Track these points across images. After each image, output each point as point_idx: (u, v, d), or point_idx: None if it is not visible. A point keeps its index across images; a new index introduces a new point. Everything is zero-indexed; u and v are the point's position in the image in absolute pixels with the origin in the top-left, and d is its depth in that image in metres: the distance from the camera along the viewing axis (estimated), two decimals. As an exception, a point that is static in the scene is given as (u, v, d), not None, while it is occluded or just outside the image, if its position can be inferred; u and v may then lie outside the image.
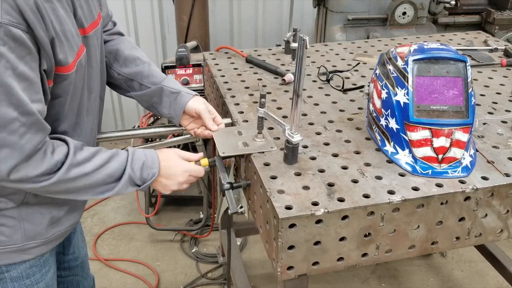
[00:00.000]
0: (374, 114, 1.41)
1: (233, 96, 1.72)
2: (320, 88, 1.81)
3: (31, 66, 1.02)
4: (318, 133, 1.48)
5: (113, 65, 1.48)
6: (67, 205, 1.34)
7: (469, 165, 1.29)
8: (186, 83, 2.76)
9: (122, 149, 1.28)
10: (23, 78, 1.01)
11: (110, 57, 1.47)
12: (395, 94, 1.31)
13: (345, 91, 1.77)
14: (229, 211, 1.30)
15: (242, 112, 1.61)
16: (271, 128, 1.50)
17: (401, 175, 1.28)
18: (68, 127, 1.24)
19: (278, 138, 1.44)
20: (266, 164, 1.31)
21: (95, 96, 1.33)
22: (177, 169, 1.31)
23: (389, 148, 1.35)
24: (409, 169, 1.29)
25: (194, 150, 2.76)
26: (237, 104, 1.66)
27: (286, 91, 1.77)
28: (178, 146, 3.18)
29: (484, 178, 1.27)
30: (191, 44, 3.03)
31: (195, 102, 1.45)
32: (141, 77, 1.47)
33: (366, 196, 1.18)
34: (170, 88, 1.47)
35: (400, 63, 1.32)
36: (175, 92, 1.46)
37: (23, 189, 1.16)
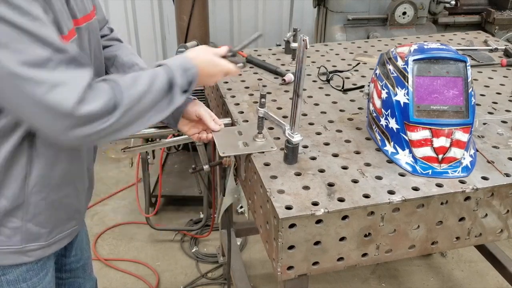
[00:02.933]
0: (374, 114, 1.41)
1: (233, 96, 1.72)
2: (320, 88, 1.81)
3: (39, 13, 1.00)
4: (318, 133, 1.48)
5: (111, 71, 1.47)
6: (70, 207, 1.32)
7: (469, 165, 1.29)
8: (186, 83, 2.76)
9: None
10: (41, 23, 0.99)
11: (108, 63, 1.47)
12: (395, 94, 1.31)
13: (345, 91, 1.77)
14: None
15: (242, 112, 1.61)
16: (271, 128, 1.50)
17: (401, 175, 1.28)
18: None
19: (278, 138, 1.44)
20: (266, 164, 1.31)
21: None
22: (209, 63, 1.31)
23: (389, 148, 1.35)
24: (409, 169, 1.29)
25: (194, 150, 2.76)
26: (237, 104, 1.66)
27: (286, 91, 1.77)
28: (178, 146, 3.19)
29: (484, 178, 1.27)
30: (191, 44, 3.02)
31: (195, 106, 1.44)
32: None
33: (366, 196, 1.19)
34: None
35: (400, 63, 1.32)
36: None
37: (93, 135, 1.07)
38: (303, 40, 1.14)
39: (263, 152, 1.36)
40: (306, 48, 1.15)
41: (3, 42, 0.96)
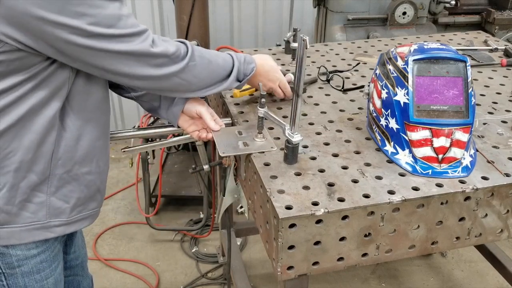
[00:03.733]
0: (374, 114, 1.41)
1: (233, 96, 1.71)
2: (320, 88, 1.81)
3: None
4: (318, 133, 1.48)
5: None
6: (89, 186, 1.34)
7: (469, 165, 1.29)
8: (186, 83, 2.76)
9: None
10: None
11: None
12: (395, 94, 1.31)
13: (345, 91, 1.77)
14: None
15: (242, 112, 1.61)
16: (271, 128, 1.50)
17: (401, 175, 1.28)
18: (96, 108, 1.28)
19: (278, 138, 1.44)
20: (266, 164, 1.31)
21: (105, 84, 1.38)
22: (272, 69, 1.54)
23: (389, 148, 1.35)
24: (409, 169, 1.29)
25: (194, 150, 2.76)
26: (237, 104, 1.66)
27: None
28: (178, 146, 3.19)
29: (484, 178, 1.27)
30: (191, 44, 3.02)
31: (196, 103, 1.45)
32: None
33: (366, 196, 1.19)
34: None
35: (400, 63, 1.32)
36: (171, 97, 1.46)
37: (167, 75, 1.22)
38: (303, 40, 1.14)
39: (263, 152, 1.36)
40: (306, 48, 1.15)
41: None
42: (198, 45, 3.09)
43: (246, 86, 1.67)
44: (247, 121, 1.55)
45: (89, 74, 1.19)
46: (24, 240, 1.26)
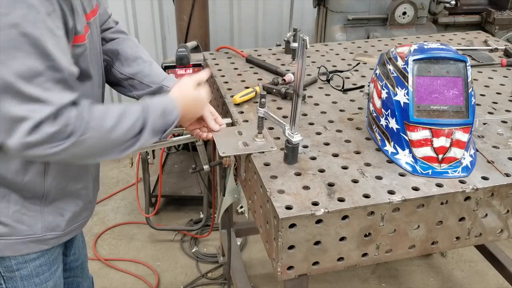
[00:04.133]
0: (374, 114, 1.41)
1: (233, 96, 1.71)
2: (320, 88, 1.81)
3: (57, 25, 1.02)
4: (318, 133, 1.48)
5: (115, 64, 1.47)
6: (84, 199, 1.35)
7: (469, 165, 1.29)
8: (186, 83, 2.76)
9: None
10: (52, 34, 1.00)
11: (113, 56, 1.47)
12: (395, 94, 1.31)
13: (345, 91, 1.77)
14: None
15: (242, 112, 1.61)
16: (271, 128, 1.50)
17: (401, 175, 1.28)
18: None
19: (278, 138, 1.44)
20: (266, 164, 1.31)
21: (98, 86, 1.34)
22: (195, 102, 1.34)
23: (389, 148, 1.35)
24: (409, 169, 1.29)
25: (194, 150, 2.76)
26: (237, 104, 1.66)
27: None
28: (178, 146, 3.19)
29: (484, 178, 1.27)
30: (191, 44, 3.03)
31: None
32: (142, 76, 1.46)
33: (366, 196, 1.19)
34: (169, 87, 1.45)
35: (400, 63, 1.32)
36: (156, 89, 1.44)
37: (43, 156, 1.06)
38: (303, 40, 1.14)
39: (263, 152, 1.36)
40: (306, 48, 1.15)
41: (2, 46, 0.96)
42: (198, 45, 3.10)
43: (247, 91, 1.67)
44: (247, 121, 1.55)
45: None
46: (19, 252, 1.27)
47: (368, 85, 1.48)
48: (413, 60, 1.30)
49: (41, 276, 1.34)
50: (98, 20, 1.34)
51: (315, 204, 1.15)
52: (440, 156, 1.28)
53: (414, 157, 1.29)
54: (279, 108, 1.64)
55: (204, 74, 1.39)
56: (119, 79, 1.48)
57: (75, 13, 1.10)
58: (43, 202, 1.26)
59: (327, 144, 1.42)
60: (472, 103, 1.29)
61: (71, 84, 1.06)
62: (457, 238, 1.31)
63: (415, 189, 1.22)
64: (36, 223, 1.26)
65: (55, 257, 1.37)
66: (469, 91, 1.29)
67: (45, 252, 1.32)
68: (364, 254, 1.23)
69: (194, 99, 1.33)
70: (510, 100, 1.71)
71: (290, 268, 1.18)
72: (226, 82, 1.83)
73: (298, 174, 1.27)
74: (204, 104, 1.37)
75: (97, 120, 1.10)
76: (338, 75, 1.85)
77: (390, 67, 1.35)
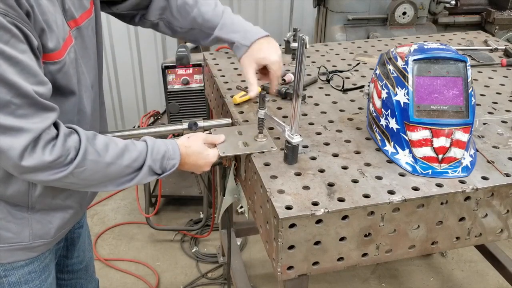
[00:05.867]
0: (374, 114, 1.41)
1: (233, 96, 1.71)
2: (320, 88, 1.81)
3: (20, 49, 0.98)
4: (318, 133, 1.48)
5: (172, 22, 1.45)
6: (73, 208, 1.33)
7: (469, 165, 1.29)
8: (186, 83, 2.76)
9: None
10: (13, 62, 0.97)
11: (167, 14, 1.44)
12: (395, 94, 1.31)
13: (345, 91, 1.77)
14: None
15: (242, 112, 1.61)
16: (271, 128, 1.50)
17: (401, 175, 1.28)
18: (69, 123, 1.19)
19: (278, 138, 1.44)
20: (266, 164, 1.31)
21: (95, 90, 1.31)
22: (198, 156, 1.30)
23: (389, 148, 1.35)
24: (409, 169, 1.29)
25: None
26: (237, 104, 1.66)
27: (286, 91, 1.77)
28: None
29: (484, 178, 1.27)
30: (191, 44, 3.03)
31: (256, 53, 1.40)
32: (198, 25, 1.43)
33: (366, 196, 1.19)
34: (224, 38, 1.43)
35: (400, 63, 1.32)
36: (231, 43, 1.43)
37: (40, 182, 1.11)
38: (303, 40, 1.14)
39: (263, 152, 1.36)
40: (305, 48, 1.15)
41: None
42: (198, 45, 3.09)
43: (244, 92, 1.68)
44: (247, 121, 1.55)
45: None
46: (5, 260, 1.24)
47: (368, 85, 1.48)
48: (413, 60, 1.30)
49: (30, 284, 1.31)
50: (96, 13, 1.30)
51: (315, 204, 1.15)
52: (440, 156, 1.28)
53: (414, 157, 1.29)
54: (279, 108, 1.64)
55: (220, 138, 1.38)
56: (183, 34, 1.47)
57: (47, 32, 1.05)
58: (30, 211, 1.23)
59: (327, 144, 1.42)
60: (472, 103, 1.29)
61: (47, 104, 1.04)
62: (457, 238, 1.31)
63: (415, 189, 1.22)
64: (23, 230, 1.23)
65: (46, 264, 1.35)
66: (469, 91, 1.29)
67: (35, 259, 1.30)
68: (364, 254, 1.23)
69: (198, 155, 1.30)
70: (510, 100, 1.71)
71: (290, 268, 1.18)
72: (226, 82, 1.83)
73: (298, 174, 1.27)
74: (209, 163, 1.33)
75: (96, 155, 1.11)
76: (338, 75, 1.85)
77: (390, 67, 1.35)
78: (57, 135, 1.06)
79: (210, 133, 1.43)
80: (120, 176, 1.18)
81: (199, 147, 1.30)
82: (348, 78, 1.88)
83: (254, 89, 1.40)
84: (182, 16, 1.43)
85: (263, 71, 1.45)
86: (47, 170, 1.05)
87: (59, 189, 1.24)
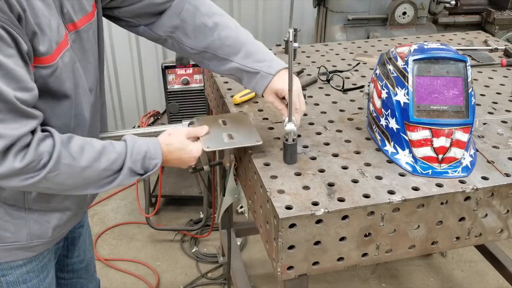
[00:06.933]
0: (374, 114, 1.41)
1: (233, 96, 1.71)
2: (320, 88, 1.81)
3: (6, 53, 0.96)
4: (318, 133, 1.48)
5: (184, 41, 1.37)
6: (71, 209, 1.32)
7: (469, 165, 1.29)
8: (186, 83, 2.76)
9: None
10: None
11: (178, 33, 1.36)
12: (395, 94, 1.31)
13: (345, 91, 1.77)
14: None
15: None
16: (271, 128, 1.50)
17: (401, 175, 1.28)
18: (60, 128, 1.17)
19: (278, 138, 1.44)
20: (266, 164, 1.31)
21: (95, 94, 1.29)
22: (181, 152, 1.27)
23: (389, 148, 1.35)
24: (409, 169, 1.29)
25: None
26: (237, 104, 1.66)
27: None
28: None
29: (484, 178, 1.27)
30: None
31: (276, 83, 1.32)
32: (213, 49, 1.35)
33: (366, 196, 1.19)
34: (247, 68, 1.34)
35: (400, 63, 1.32)
36: (255, 73, 1.33)
37: (13, 187, 1.10)
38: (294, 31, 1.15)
39: (250, 147, 1.34)
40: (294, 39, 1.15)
41: None
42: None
43: (247, 91, 1.67)
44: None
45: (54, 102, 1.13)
46: (3, 259, 1.24)
47: (368, 85, 1.48)
48: (413, 60, 1.30)
49: (28, 283, 1.30)
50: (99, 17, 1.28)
51: (315, 204, 1.15)
52: (440, 156, 1.28)
53: (414, 157, 1.29)
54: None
55: (202, 131, 1.34)
56: (193, 55, 1.40)
57: (39, 35, 1.03)
58: (28, 211, 1.22)
59: (327, 144, 1.42)
60: (472, 103, 1.29)
61: (27, 111, 1.02)
62: (457, 238, 1.31)
63: (415, 189, 1.22)
64: (21, 230, 1.22)
65: (44, 263, 1.34)
66: (469, 91, 1.29)
67: (33, 259, 1.30)
68: (364, 254, 1.23)
69: (181, 150, 1.27)
70: (510, 100, 1.71)
71: (290, 268, 1.18)
72: (226, 82, 1.83)
73: (298, 174, 1.27)
74: (193, 158, 1.30)
75: (70, 158, 1.08)
76: (338, 75, 1.85)
77: (390, 67, 1.35)
78: (31, 141, 1.04)
79: (193, 122, 1.39)
80: (99, 179, 1.15)
81: (181, 143, 1.27)
82: (348, 78, 1.88)
83: (285, 113, 1.32)
84: (197, 38, 1.35)
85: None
86: (18, 176, 1.04)
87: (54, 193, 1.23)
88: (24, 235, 1.24)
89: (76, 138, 1.13)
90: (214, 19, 1.35)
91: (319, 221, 1.14)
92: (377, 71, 1.42)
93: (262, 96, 1.37)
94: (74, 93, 1.17)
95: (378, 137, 1.40)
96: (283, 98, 1.33)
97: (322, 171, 1.29)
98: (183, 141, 1.28)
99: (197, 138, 1.34)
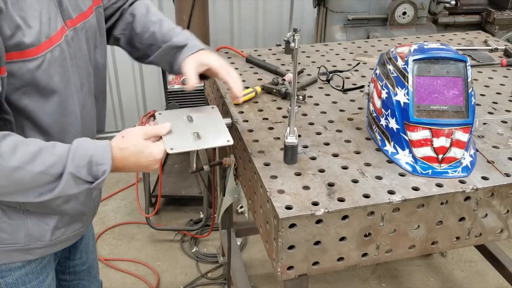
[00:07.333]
0: (374, 114, 1.41)
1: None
2: (320, 88, 1.81)
3: None
4: (318, 133, 1.48)
5: (134, 38, 1.41)
6: (70, 212, 1.29)
7: (469, 165, 1.29)
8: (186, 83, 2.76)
9: None
10: None
11: (130, 29, 1.41)
12: (395, 94, 1.31)
13: (345, 91, 1.77)
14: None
15: (242, 112, 1.61)
16: (271, 128, 1.50)
17: (401, 175, 1.28)
18: (51, 126, 1.14)
19: (278, 138, 1.44)
20: (266, 164, 1.31)
21: (87, 94, 1.26)
22: (139, 156, 1.13)
23: (389, 148, 1.35)
24: (409, 169, 1.29)
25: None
26: (237, 104, 1.66)
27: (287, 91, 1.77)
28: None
29: (484, 178, 1.27)
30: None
31: (201, 56, 1.28)
32: (157, 41, 1.37)
33: (366, 196, 1.19)
34: (176, 42, 1.32)
35: (400, 63, 1.32)
36: (182, 46, 1.31)
37: None
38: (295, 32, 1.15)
39: (217, 147, 1.29)
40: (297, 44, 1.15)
41: None
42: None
43: (247, 91, 1.67)
44: (247, 121, 1.55)
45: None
46: (0, 261, 1.22)
47: (368, 85, 1.48)
48: (413, 60, 1.30)
49: (27, 285, 1.29)
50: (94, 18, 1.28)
51: (315, 204, 1.15)
52: (440, 156, 1.28)
53: (414, 157, 1.29)
54: (279, 108, 1.64)
55: (164, 129, 1.20)
56: (139, 49, 1.42)
57: (23, 28, 1.01)
58: (26, 212, 1.20)
59: (327, 144, 1.42)
60: (472, 103, 1.29)
61: None
62: (457, 238, 1.31)
63: (415, 189, 1.22)
64: (19, 231, 1.20)
65: (44, 265, 1.32)
66: (469, 91, 1.29)
67: (32, 261, 1.28)
68: (364, 254, 1.23)
69: (138, 154, 1.12)
70: (510, 100, 1.71)
71: (290, 268, 1.18)
72: (226, 82, 1.83)
73: (298, 174, 1.27)
74: (154, 162, 1.15)
75: (3, 158, 0.99)
76: (338, 75, 1.85)
77: (390, 67, 1.35)
78: None
79: (154, 116, 1.24)
80: (37, 185, 1.04)
81: (137, 147, 1.13)
82: (348, 78, 1.88)
83: (191, 83, 1.27)
84: (143, 32, 1.39)
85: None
86: None
87: None
88: (22, 237, 1.22)
89: (12, 137, 1.03)
90: (159, 16, 1.42)
91: (319, 221, 1.14)
92: (377, 71, 1.42)
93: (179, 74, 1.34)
94: (65, 89, 1.14)
95: (378, 137, 1.40)
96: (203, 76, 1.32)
97: (322, 171, 1.29)
98: (140, 144, 1.13)
99: (160, 138, 1.19)
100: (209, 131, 1.21)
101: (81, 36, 1.21)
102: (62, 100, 1.15)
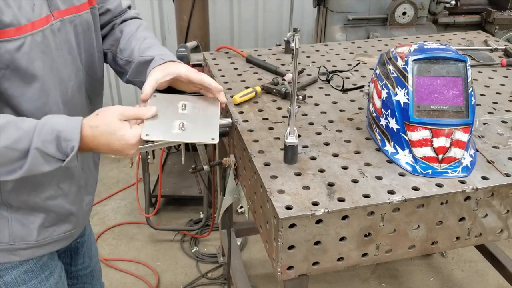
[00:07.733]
0: (374, 114, 1.41)
1: (233, 96, 1.71)
2: (320, 88, 1.81)
3: None
4: (318, 133, 1.48)
5: (118, 54, 1.37)
6: (56, 210, 1.26)
7: (469, 165, 1.29)
8: (186, 83, 2.75)
9: None
10: None
11: (117, 44, 1.38)
12: (395, 94, 1.31)
13: (345, 91, 1.77)
14: None
15: (242, 112, 1.61)
16: (271, 128, 1.50)
17: (401, 175, 1.28)
18: (33, 113, 1.10)
19: (278, 138, 1.44)
20: (266, 164, 1.31)
21: (76, 89, 1.23)
22: (110, 138, 1.05)
23: (389, 148, 1.35)
24: (409, 169, 1.29)
25: (194, 150, 2.76)
26: (237, 104, 1.66)
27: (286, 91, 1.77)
28: (178, 146, 3.18)
29: (484, 178, 1.27)
30: (191, 44, 3.03)
31: (168, 66, 1.20)
32: (134, 57, 1.31)
33: (366, 196, 1.19)
34: (145, 56, 1.26)
35: (400, 63, 1.32)
36: (150, 60, 1.25)
37: None
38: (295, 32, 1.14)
39: (201, 143, 1.24)
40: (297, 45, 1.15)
41: None
42: (198, 45, 3.10)
43: (247, 91, 1.67)
44: (247, 121, 1.55)
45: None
46: None
47: (368, 85, 1.48)
48: (413, 60, 1.30)
49: (28, 283, 1.27)
50: (94, 18, 1.27)
51: (315, 204, 1.15)
52: (440, 156, 1.28)
53: (414, 157, 1.29)
54: (279, 108, 1.64)
55: (148, 112, 1.10)
56: (121, 66, 1.36)
57: (2, 7, 0.99)
58: (10, 209, 1.17)
59: (327, 144, 1.42)
60: (472, 103, 1.29)
61: None
62: (457, 238, 1.31)
63: (415, 189, 1.22)
64: (3, 230, 1.17)
65: (44, 262, 1.30)
66: (469, 91, 1.29)
67: (28, 259, 1.26)
68: (364, 254, 1.23)
69: (110, 135, 1.04)
70: (510, 100, 1.71)
71: (290, 268, 1.18)
72: (226, 82, 1.83)
73: (298, 174, 1.27)
74: (128, 146, 1.06)
75: None
76: (338, 75, 1.85)
77: (390, 67, 1.35)
78: None
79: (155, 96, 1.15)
80: (5, 161, 1.00)
81: (110, 127, 1.04)
82: (348, 78, 1.88)
83: (145, 91, 1.18)
84: (125, 48, 1.35)
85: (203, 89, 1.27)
86: None
87: (34, 185, 1.18)
88: (6, 236, 1.19)
89: None
90: (145, 34, 1.38)
91: (319, 221, 1.14)
92: (377, 71, 1.42)
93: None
94: (47, 77, 1.12)
95: (378, 137, 1.40)
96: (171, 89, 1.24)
97: (322, 171, 1.29)
98: (113, 124, 1.04)
99: (142, 121, 1.09)
100: (197, 125, 1.11)
101: (69, 29, 1.19)
102: (44, 88, 1.12)
